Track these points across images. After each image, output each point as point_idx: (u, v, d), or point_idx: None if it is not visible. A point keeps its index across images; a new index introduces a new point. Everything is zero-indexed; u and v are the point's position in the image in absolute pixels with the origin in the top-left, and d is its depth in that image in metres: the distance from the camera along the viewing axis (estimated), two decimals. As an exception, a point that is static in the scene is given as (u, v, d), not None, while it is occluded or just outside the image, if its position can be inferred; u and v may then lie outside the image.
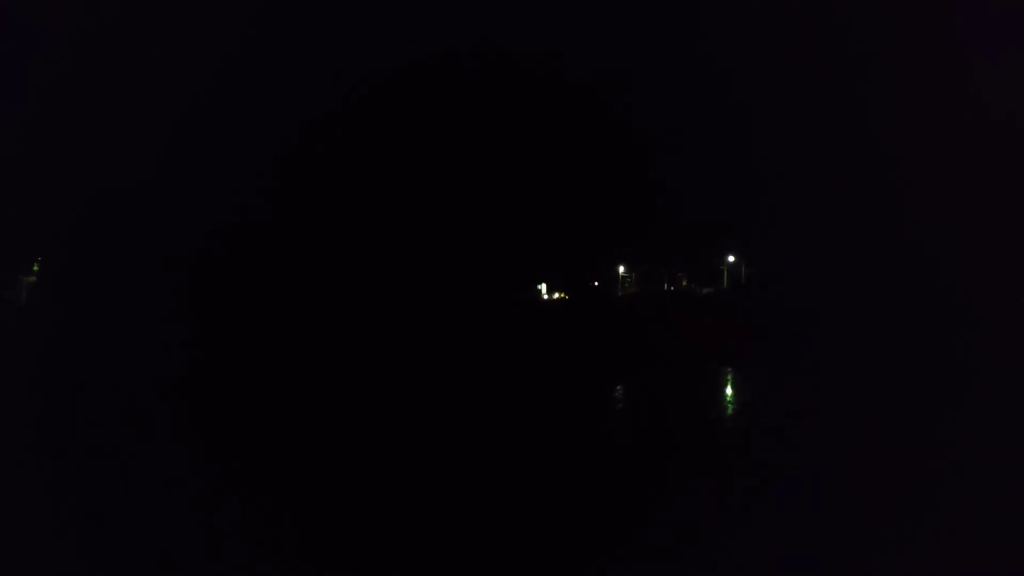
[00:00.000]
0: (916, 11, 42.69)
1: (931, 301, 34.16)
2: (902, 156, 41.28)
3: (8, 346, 31.59)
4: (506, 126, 52.46)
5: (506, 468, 13.28)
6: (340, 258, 47.43)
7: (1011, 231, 37.35)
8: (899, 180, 41.11)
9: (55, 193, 43.35)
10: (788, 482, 12.02)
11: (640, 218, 53.31)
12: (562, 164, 53.26)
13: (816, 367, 27.28)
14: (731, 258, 55.65)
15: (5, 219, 42.64)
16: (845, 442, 14.89)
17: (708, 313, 42.32)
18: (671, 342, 34.44)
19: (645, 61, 55.22)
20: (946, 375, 25.03)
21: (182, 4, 49.55)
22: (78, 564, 8.75)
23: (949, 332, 30.46)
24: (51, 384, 23.31)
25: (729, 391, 24.69)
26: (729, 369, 28.79)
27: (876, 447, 14.41)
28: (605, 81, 50.22)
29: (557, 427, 17.41)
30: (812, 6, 46.52)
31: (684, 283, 60.62)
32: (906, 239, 39.13)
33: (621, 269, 61.37)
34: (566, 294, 60.02)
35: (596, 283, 60.49)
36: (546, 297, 60.50)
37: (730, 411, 20.87)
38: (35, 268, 47.50)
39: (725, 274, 56.54)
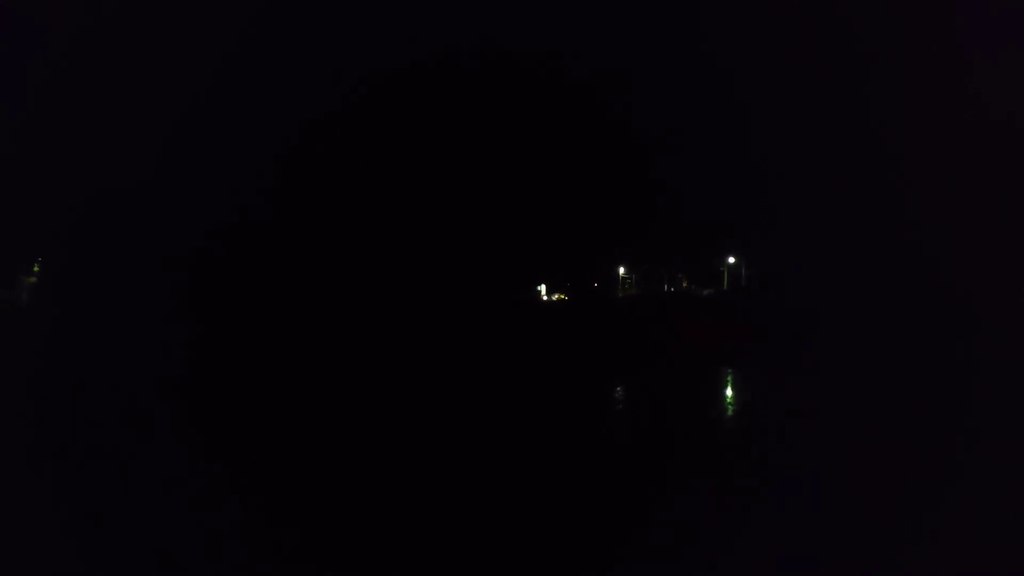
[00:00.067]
0: (916, 11, 42.70)
1: (931, 301, 34.16)
2: (902, 156, 41.29)
3: (8, 346, 31.57)
4: (506, 126, 52.46)
5: (506, 468, 13.28)
6: (340, 258, 47.42)
7: (1011, 231, 37.35)
8: (899, 180, 41.12)
9: (55, 193, 43.37)
10: (788, 482, 12.02)
11: (640, 218, 53.29)
12: (562, 164, 53.25)
13: (816, 367, 27.28)
14: (731, 259, 55.64)
15: (5, 219, 42.65)
16: (845, 442, 14.89)
17: (708, 314, 42.30)
18: (671, 342, 34.43)
19: (645, 61, 55.23)
20: (946, 375, 25.03)
21: (182, 4, 49.57)
22: (78, 564, 8.74)
23: (949, 332, 30.46)
24: (51, 384, 23.30)
25: (729, 391, 24.69)
26: (729, 369, 28.79)
27: (876, 447, 14.41)
28: (605, 81, 50.23)
29: (558, 427, 17.41)
30: (812, 6, 46.53)
31: (684, 284, 60.58)
32: (906, 239, 39.13)
33: (621, 270, 61.34)
34: (566, 295, 60.01)
35: (596, 284, 60.46)
36: (545, 298, 60.48)
37: (730, 411, 20.87)
38: (36, 269, 47.50)
39: (725, 275, 56.52)
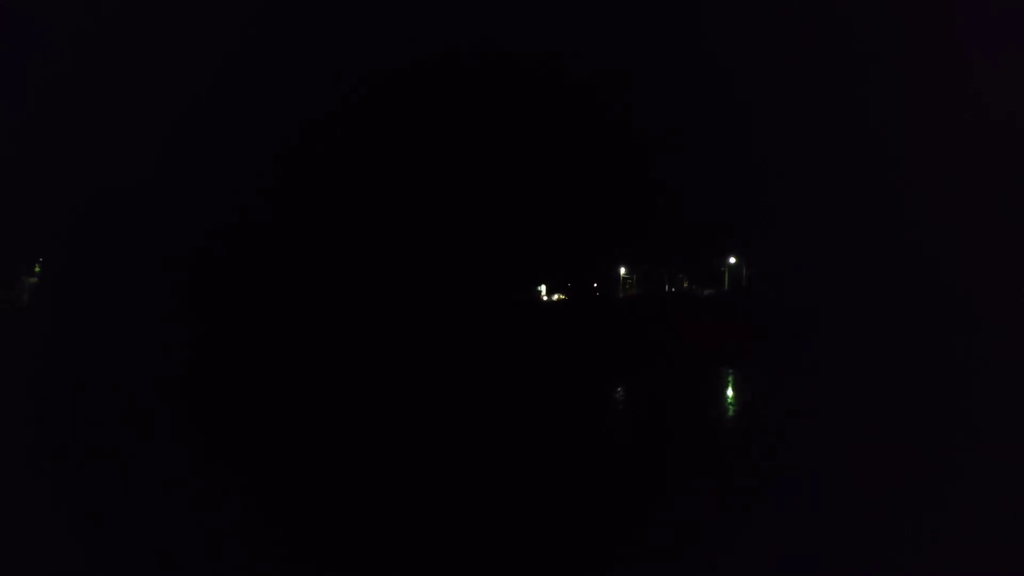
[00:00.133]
0: (916, 11, 42.70)
1: (931, 301, 34.15)
2: (902, 156, 41.29)
3: (8, 346, 31.58)
4: (506, 126, 52.45)
5: (507, 468, 13.27)
6: (340, 258, 47.42)
7: (1011, 231, 37.35)
8: (899, 180, 41.12)
9: (55, 193, 43.37)
10: (788, 482, 12.02)
11: (640, 218, 53.29)
12: (562, 164, 53.25)
13: (816, 367, 27.28)
14: (732, 259, 55.64)
15: (5, 219, 42.66)
16: (845, 442, 14.89)
17: (708, 314, 42.29)
18: (671, 342, 34.43)
19: (645, 61, 55.22)
20: (946, 375, 25.03)
21: (182, 4, 49.57)
22: (78, 564, 8.74)
23: (949, 332, 30.46)
24: (51, 384, 23.30)
25: (729, 391, 24.69)
26: (729, 369, 28.79)
27: (876, 447, 14.40)
28: (605, 81, 50.23)
29: (558, 427, 17.40)
30: (812, 6, 46.53)
31: (685, 284, 60.57)
32: (906, 239, 39.13)
33: (622, 270, 61.34)
34: (565, 295, 60.00)
35: (595, 284, 60.46)
36: (545, 298, 60.48)
37: (730, 411, 20.87)
38: (36, 269, 47.51)
39: (726, 275, 56.52)
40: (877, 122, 42.70)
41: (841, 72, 45.53)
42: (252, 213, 45.46)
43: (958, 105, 39.94)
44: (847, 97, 44.90)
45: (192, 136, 45.41)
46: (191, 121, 45.17)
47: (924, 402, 19.95)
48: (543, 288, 61.14)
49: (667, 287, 59.57)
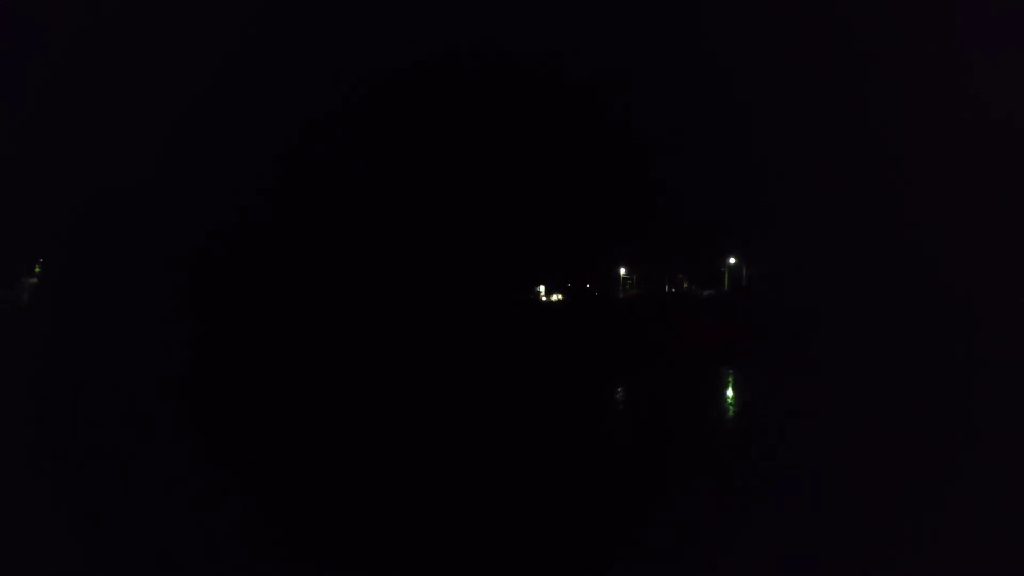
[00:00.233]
0: (916, 11, 42.70)
1: (931, 301, 34.15)
2: (902, 156, 41.29)
3: (8, 346, 31.58)
4: (506, 126, 52.46)
5: (507, 468, 13.27)
6: (340, 258, 47.43)
7: (1011, 231, 37.35)
8: (899, 180, 41.12)
9: (55, 193, 43.37)
10: (788, 482, 12.02)
11: (640, 218, 53.32)
12: (562, 164, 53.27)
13: (816, 367, 27.28)
14: (732, 259, 55.66)
15: (5, 219, 42.66)
16: (845, 442, 14.88)
17: (708, 314, 42.30)
18: (671, 342, 34.44)
19: (645, 61, 55.24)
20: (946, 375, 25.03)
21: (182, 4, 49.58)
22: (78, 564, 8.74)
23: (949, 332, 30.46)
24: (51, 384, 23.30)
25: (729, 392, 24.69)
26: (729, 369, 28.79)
27: (876, 447, 14.40)
28: (605, 81, 50.24)
29: (558, 427, 17.40)
30: (812, 6, 46.53)
31: (685, 284, 60.60)
32: (906, 239, 39.13)
33: (622, 270, 61.35)
34: (564, 295, 60.02)
35: (595, 284, 60.48)
36: (544, 299, 60.49)
37: (730, 411, 20.86)
38: (36, 270, 47.51)
39: (726, 275, 56.54)
40: (877, 122, 42.72)
41: (841, 72, 45.55)
42: (252, 213, 45.47)
43: (958, 105, 39.95)
44: (847, 97, 44.92)
45: (192, 136, 45.42)
46: (191, 121, 45.19)
47: (924, 402, 19.95)
48: (542, 288, 61.16)
49: (667, 287, 59.59)
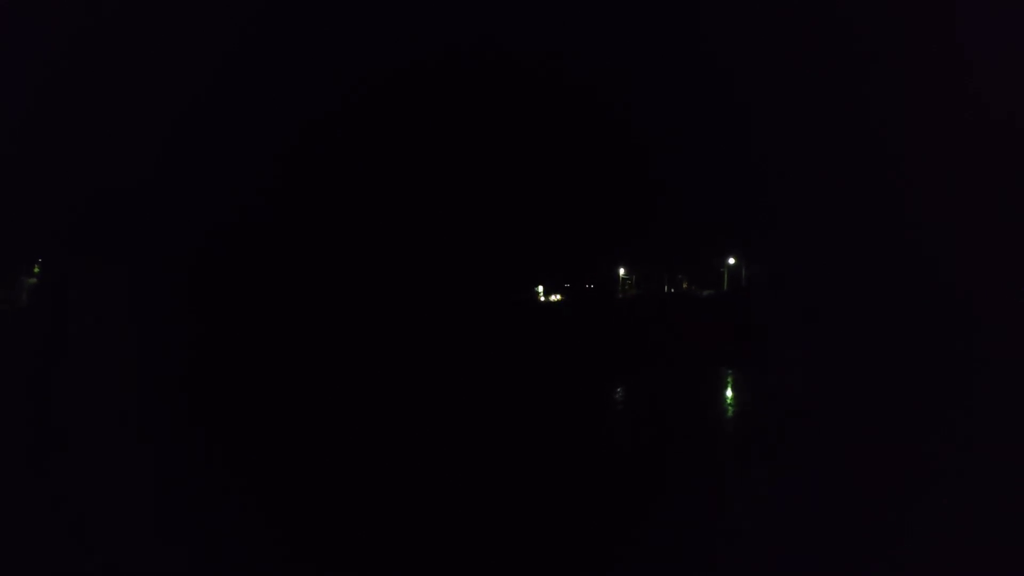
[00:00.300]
0: (916, 11, 42.70)
1: (931, 301, 34.15)
2: (902, 156, 41.29)
3: (8, 346, 31.57)
4: (506, 126, 52.48)
5: (507, 468, 13.28)
6: (340, 258, 47.45)
7: (1011, 231, 37.34)
8: (899, 180, 41.12)
9: (55, 193, 43.35)
10: (788, 482, 12.02)
11: (640, 218, 53.34)
12: (562, 164, 53.28)
13: (816, 368, 27.28)
14: (731, 260, 55.68)
15: (5, 219, 42.64)
16: (845, 442, 14.89)
17: (708, 314, 42.31)
18: (671, 342, 34.44)
19: (645, 61, 55.25)
20: (946, 375, 25.02)
21: (182, 4, 49.58)
22: (78, 564, 8.74)
23: (949, 332, 30.45)
24: (51, 384, 23.30)
25: (729, 392, 24.69)
26: (729, 369, 28.79)
27: (876, 447, 14.40)
28: (605, 81, 50.24)
29: (558, 427, 17.41)
30: (812, 6, 46.53)
31: (684, 285, 60.62)
32: (906, 239, 39.13)
33: (621, 270, 61.35)
34: (563, 295, 60.03)
35: (594, 285, 60.49)
36: (543, 299, 60.49)
37: (730, 412, 20.87)
38: (36, 269, 47.49)
39: (725, 275, 56.55)
40: (877, 122, 42.71)
41: (841, 72, 45.55)
42: (252, 213, 45.47)
43: (958, 105, 39.94)
44: (847, 97, 44.92)
45: (192, 136, 45.41)
46: (191, 121, 45.18)
47: (924, 402, 19.94)
48: (540, 288, 61.16)
49: (666, 287, 59.61)
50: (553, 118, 52.67)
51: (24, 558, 8.82)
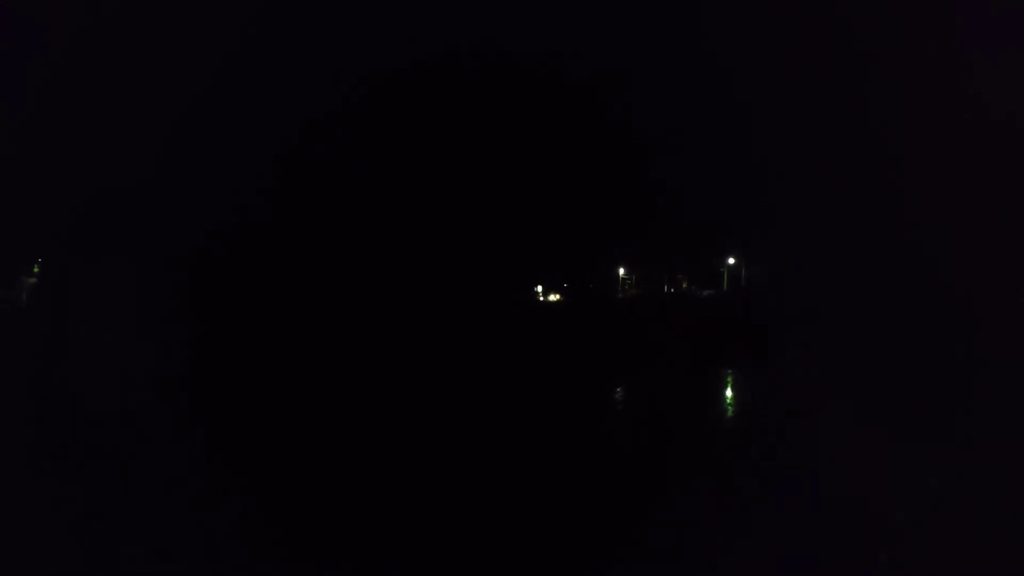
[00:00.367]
0: (916, 11, 42.69)
1: (931, 301, 34.14)
2: (902, 156, 41.28)
3: (8, 346, 31.57)
4: (506, 126, 52.48)
5: (507, 468, 13.28)
6: (340, 258, 47.45)
7: (1011, 231, 37.33)
8: (899, 180, 41.11)
9: (55, 193, 43.36)
10: (788, 482, 12.02)
11: (640, 218, 53.36)
12: (562, 164, 53.29)
13: (816, 368, 27.27)
14: (731, 260, 55.68)
15: (5, 219, 42.65)
16: (845, 442, 14.88)
17: (708, 314, 42.31)
18: (671, 343, 34.44)
19: (645, 61, 55.26)
20: (946, 375, 25.01)
21: (182, 4, 49.59)
22: (78, 564, 8.74)
23: (949, 332, 30.45)
24: (51, 384, 23.30)
25: (729, 392, 24.70)
26: (729, 370, 28.79)
27: (876, 447, 14.40)
28: (605, 81, 50.24)
29: (558, 427, 17.41)
30: (812, 6, 46.52)
31: (684, 285, 60.63)
32: (906, 239, 39.12)
33: (621, 271, 61.36)
34: (562, 295, 60.04)
35: (591, 284, 60.53)
36: (541, 299, 60.50)
37: (730, 412, 20.87)
38: (35, 269, 47.50)
39: (725, 276, 56.56)
40: (877, 122, 42.71)
41: (841, 72, 45.55)
42: (252, 213, 45.47)
43: (958, 105, 39.93)
44: (847, 97, 44.91)
45: (192, 136, 45.41)
46: (191, 121, 45.18)
47: (924, 402, 19.94)
48: (539, 288, 61.18)
49: (666, 287, 59.62)
50: (553, 118, 52.69)
51: (24, 558, 8.82)
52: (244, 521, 10.17)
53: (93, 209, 43.15)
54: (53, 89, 43.72)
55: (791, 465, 13.22)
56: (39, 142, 43.73)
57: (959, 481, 11.74)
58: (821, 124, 44.52)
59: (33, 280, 47.35)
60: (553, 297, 61.05)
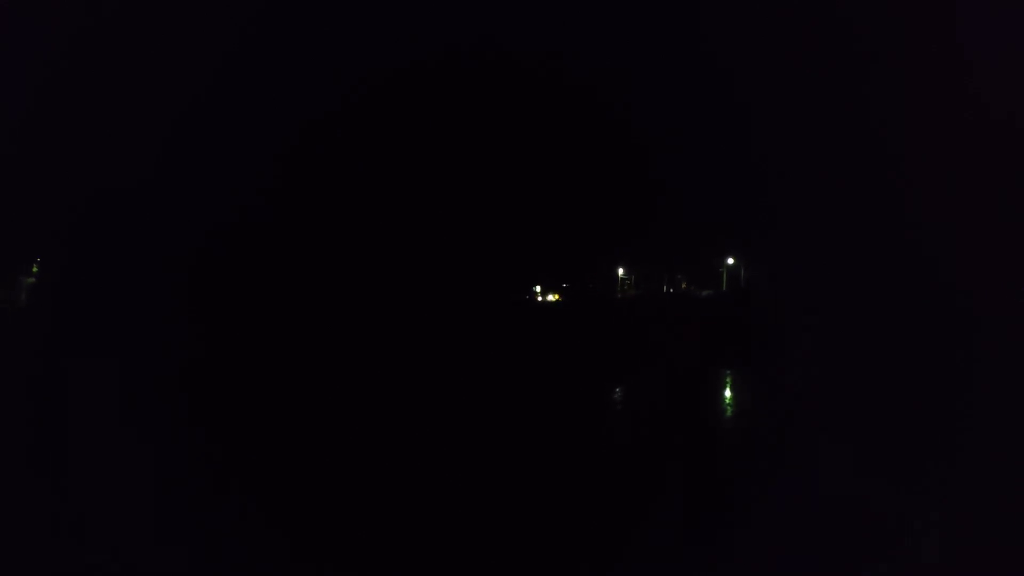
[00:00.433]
0: (916, 11, 42.70)
1: (931, 301, 34.15)
2: (902, 156, 41.30)
3: (8, 346, 31.56)
4: (506, 126, 52.51)
5: (507, 468, 13.27)
6: (340, 258, 47.46)
7: (1011, 231, 37.34)
8: (899, 180, 41.13)
9: (55, 193, 43.36)
10: (788, 482, 12.01)
11: (639, 218, 53.40)
12: (562, 164, 53.32)
13: (816, 368, 27.27)
14: (730, 260, 55.68)
15: (5, 219, 42.65)
16: (845, 443, 14.88)
17: (707, 314, 42.32)
18: (671, 343, 34.45)
19: (645, 61, 55.28)
20: (946, 375, 25.02)
21: (182, 4, 49.58)
22: (78, 564, 8.74)
23: (949, 332, 30.45)
24: (51, 384, 23.29)
25: (728, 392, 24.69)
26: (729, 370, 28.79)
27: (876, 447, 14.41)
28: (605, 81, 50.26)
29: (557, 427, 17.41)
30: (812, 6, 46.53)
31: (683, 285, 60.66)
32: (906, 239, 39.13)
33: (620, 271, 61.37)
34: (561, 295, 60.06)
35: (591, 285, 60.55)
36: (540, 299, 60.52)
37: (729, 412, 20.87)
38: (34, 269, 47.51)
39: (724, 276, 56.56)
40: (877, 122, 42.72)
41: (841, 72, 45.57)
42: (252, 213, 45.48)
43: (958, 105, 39.94)
44: (847, 97, 44.92)
45: (192, 136, 45.42)
46: (191, 121, 45.18)
47: (924, 402, 19.94)
48: (538, 288, 61.21)
49: (665, 288, 59.64)
50: (553, 118, 52.72)
51: (24, 558, 8.82)
52: (244, 521, 10.17)
53: (93, 209, 43.15)
54: (53, 89, 43.74)
55: (790, 465, 13.22)
56: (39, 142, 43.75)
57: (959, 481, 11.74)
58: (821, 124, 44.56)
59: (33, 280, 47.35)
60: (552, 297, 61.06)
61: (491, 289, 50.46)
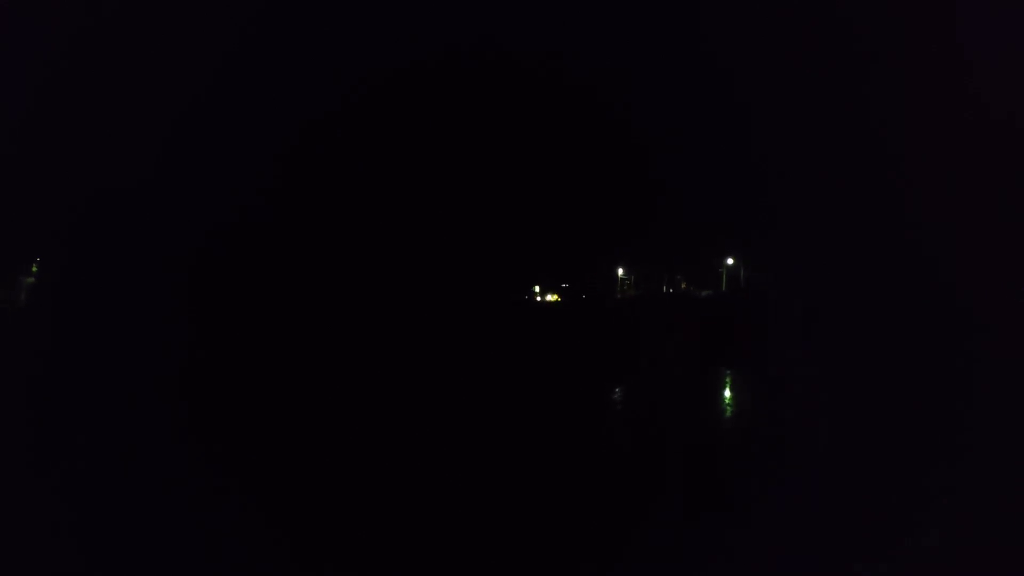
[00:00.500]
0: (916, 11, 42.71)
1: (931, 301, 34.15)
2: (902, 156, 41.31)
3: (8, 346, 31.56)
4: (506, 126, 52.53)
5: (507, 468, 13.27)
6: (339, 258, 47.46)
7: (1011, 231, 37.35)
8: (899, 180, 41.14)
9: (55, 193, 43.37)
10: (788, 483, 12.01)
11: (639, 218, 53.43)
12: (562, 164, 53.33)
13: (816, 368, 27.27)
14: (730, 260, 55.68)
15: (5, 219, 42.65)
16: (845, 443, 14.89)
17: (707, 315, 42.32)
18: (671, 343, 34.44)
19: (645, 61, 55.29)
20: (946, 375, 25.03)
21: (182, 4, 49.59)
22: (78, 564, 8.74)
23: (949, 332, 30.46)
24: (51, 384, 23.29)
25: (728, 392, 24.69)
26: (728, 370, 28.79)
27: (876, 447, 14.41)
28: (605, 81, 50.27)
29: (557, 427, 17.41)
30: (812, 6, 46.54)
31: (683, 285, 60.66)
32: (906, 239, 39.14)
33: (620, 271, 61.38)
34: (560, 296, 60.07)
35: (592, 285, 60.57)
36: (540, 299, 60.52)
37: (729, 412, 20.87)
38: (34, 269, 47.51)
39: (724, 276, 56.56)
40: (877, 122, 42.73)
41: (841, 72, 45.58)
42: (252, 213, 45.49)
43: (958, 105, 39.94)
44: (847, 97, 44.94)
45: (192, 136, 45.43)
46: (191, 121, 45.19)
47: (924, 402, 19.94)
48: (538, 288, 61.23)
49: (665, 288, 59.65)
50: (553, 118, 52.74)
51: (24, 558, 8.82)
52: (244, 521, 10.17)
53: (93, 209, 43.16)
54: (53, 89, 43.74)
55: (791, 465, 13.22)
56: (39, 142, 43.76)
57: (959, 481, 11.75)
58: (821, 124, 44.58)
59: (33, 280, 47.36)
60: (551, 297, 61.06)
61: (491, 289, 50.48)
